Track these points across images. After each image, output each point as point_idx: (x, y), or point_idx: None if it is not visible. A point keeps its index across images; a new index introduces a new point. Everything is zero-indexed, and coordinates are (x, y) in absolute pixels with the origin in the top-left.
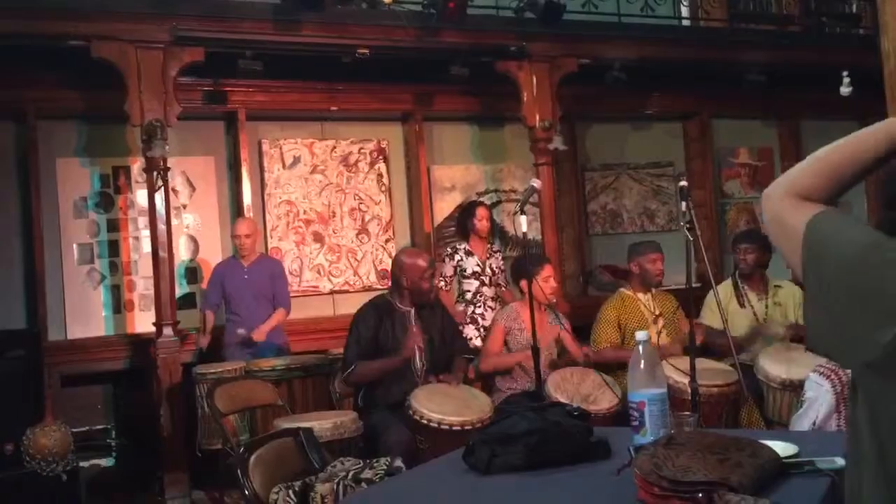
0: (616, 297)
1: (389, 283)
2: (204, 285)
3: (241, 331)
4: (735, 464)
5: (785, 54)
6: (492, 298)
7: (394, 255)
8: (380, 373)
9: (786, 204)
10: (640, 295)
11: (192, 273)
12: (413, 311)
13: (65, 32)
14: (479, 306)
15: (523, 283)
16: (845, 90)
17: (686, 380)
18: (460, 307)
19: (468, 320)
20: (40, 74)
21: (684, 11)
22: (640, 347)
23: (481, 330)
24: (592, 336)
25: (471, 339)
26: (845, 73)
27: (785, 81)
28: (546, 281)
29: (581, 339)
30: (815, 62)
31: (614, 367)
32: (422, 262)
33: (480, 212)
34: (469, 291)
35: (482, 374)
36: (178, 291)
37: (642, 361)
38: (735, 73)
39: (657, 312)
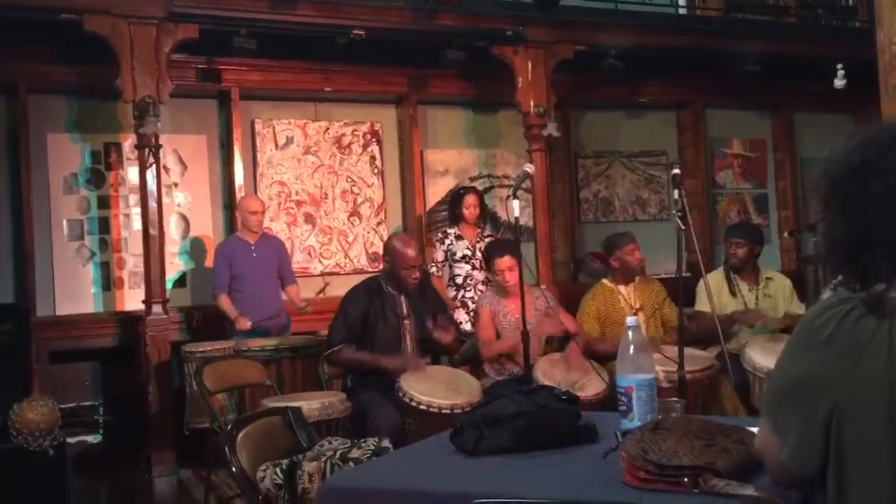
0: (598, 288)
1: (382, 266)
2: (205, 264)
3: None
4: (721, 449)
5: (780, 45)
6: (482, 282)
7: (385, 238)
8: (361, 365)
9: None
10: (622, 287)
11: (193, 250)
12: (402, 295)
13: (57, 6)
14: (470, 290)
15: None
16: (839, 83)
17: (659, 367)
18: (451, 292)
19: (458, 304)
20: (31, 48)
21: (681, 0)
22: (630, 333)
23: (472, 314)
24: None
25: (461, 322)
26: (839, 66)
27: (779, 73)
28: (501, 274)
29: None
30: (809, 54)
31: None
32: (410, 252)
33: (468, 199)
34: (459, 276)
35: (487, 360)
36: (179, 269)
37: (631, 347)
38: (730, 63)
39: (637, 305)
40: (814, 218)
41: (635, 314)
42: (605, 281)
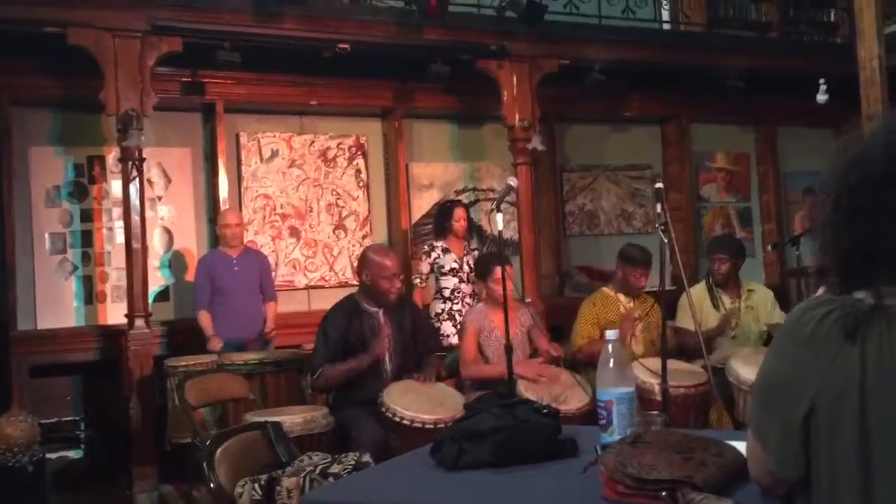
0: (597, 295)
1: (359, 282)
2: (189, 278)
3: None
4: (699, 463)
5: (763, 60)
6: (469, 295)
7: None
8: (347, 375)
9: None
10: (621, 296)
11: (176, 264)
12: (381, 311)
13: (41, 18)
14: (457, 303)
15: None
16: (822, 97)
17: (653, 380)
18: (438, 305)
19: (445, 317)
20: (15, 60)
21: (665, 15)
22: (610, 346)
23: (458, 326)
24: (572, 334)
25: (448, 335)
26: (822, 81)
27: (762, 87)
28: (497, 283)
29: (559, 338)
30: (792, 69)
31: (587, 367)
32: (387, 262)
33: (458, 213)
34: (447, 288)
35: (464, 379)
36: (163, 282)
37: (612, 360)
38: (714, 77)
39: (636, 315)
40: (801, 227)
41: (634, 322)
42: (604, 289)
